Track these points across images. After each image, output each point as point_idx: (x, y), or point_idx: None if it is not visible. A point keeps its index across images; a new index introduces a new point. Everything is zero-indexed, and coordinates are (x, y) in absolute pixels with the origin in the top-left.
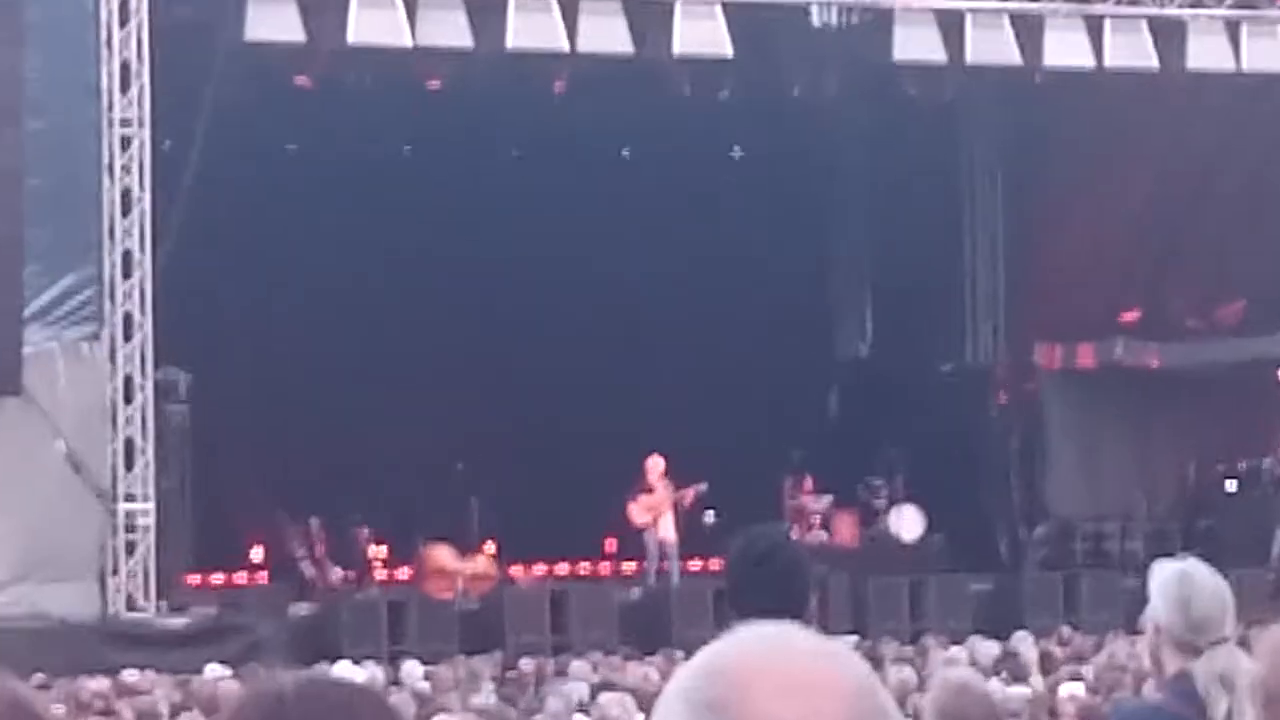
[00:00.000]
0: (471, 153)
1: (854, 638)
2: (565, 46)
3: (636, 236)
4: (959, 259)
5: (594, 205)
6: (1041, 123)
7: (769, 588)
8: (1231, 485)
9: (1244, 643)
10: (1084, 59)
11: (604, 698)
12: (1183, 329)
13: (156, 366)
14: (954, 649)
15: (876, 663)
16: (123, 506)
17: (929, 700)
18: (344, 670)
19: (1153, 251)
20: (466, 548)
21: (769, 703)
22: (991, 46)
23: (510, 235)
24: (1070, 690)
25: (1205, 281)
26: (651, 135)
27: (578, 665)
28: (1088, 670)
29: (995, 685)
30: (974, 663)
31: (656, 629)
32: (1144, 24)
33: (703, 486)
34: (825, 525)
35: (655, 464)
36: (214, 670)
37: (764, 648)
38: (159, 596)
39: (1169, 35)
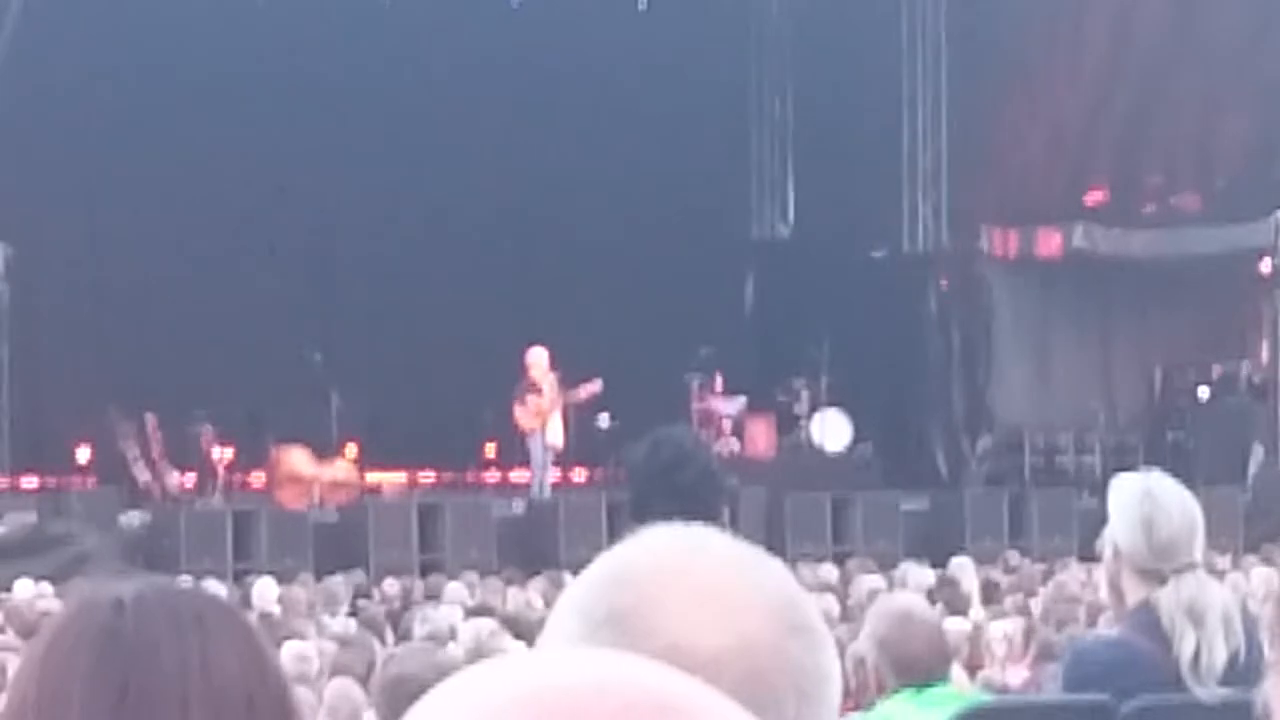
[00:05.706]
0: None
1: None
2: None
3: (524, 95)
4: (896, 127)
5: (476, 60)
6: None
7: (675, 502)
8: (1204, 393)
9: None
10: None
11: (471, 625)
12: (1154, 212)
13: None
14: (879, 576)
15: None
16: None
17: (866, 631)
18: None
19: (1122, 120)
20: (324, 451)
21: (681, 615)
22: None
23: (377, 91)
24: (1016, 624)
25: (1182, 157)
26: None
27: (451, 588)
28: (1036, 602)
29: None
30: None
31: (541, 548)
32: None
33: (597, 385)
34: (737, 432)
35: (537, 357)
36: (30, 586)
37: (675, 552)
38: None
39: None
